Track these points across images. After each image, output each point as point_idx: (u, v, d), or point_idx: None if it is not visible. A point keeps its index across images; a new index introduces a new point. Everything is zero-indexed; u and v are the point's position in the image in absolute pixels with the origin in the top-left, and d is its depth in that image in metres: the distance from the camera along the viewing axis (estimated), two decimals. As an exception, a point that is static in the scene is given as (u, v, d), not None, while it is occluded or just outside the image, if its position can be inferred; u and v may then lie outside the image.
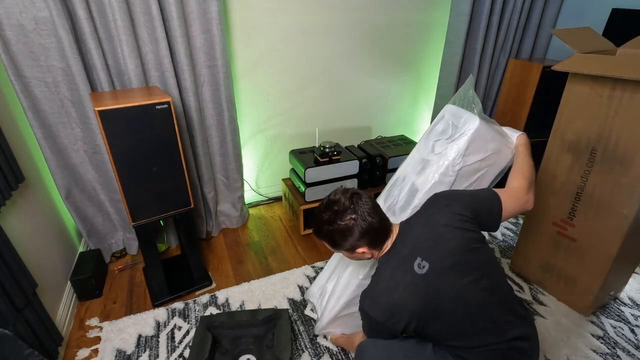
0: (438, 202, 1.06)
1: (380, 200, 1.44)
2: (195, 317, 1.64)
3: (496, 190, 1.08)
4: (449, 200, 1.04)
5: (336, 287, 1.41)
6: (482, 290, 0.96)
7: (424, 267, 0.94)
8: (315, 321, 1.58)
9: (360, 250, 1.02)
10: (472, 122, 1.21)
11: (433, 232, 0.99)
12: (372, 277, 1.04)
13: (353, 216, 0.98)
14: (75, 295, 1.72)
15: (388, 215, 1.30)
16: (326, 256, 2.03)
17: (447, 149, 1.24)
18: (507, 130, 1.28)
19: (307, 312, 1.64)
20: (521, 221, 2.28)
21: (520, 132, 1.27)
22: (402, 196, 1.34)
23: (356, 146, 2.41)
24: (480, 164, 1.24)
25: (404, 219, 1.15)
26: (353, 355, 1.43)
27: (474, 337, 0.96)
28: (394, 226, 1.07)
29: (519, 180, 1.11)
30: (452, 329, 0.95)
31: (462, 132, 1.22)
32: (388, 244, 1.03)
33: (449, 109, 1.33)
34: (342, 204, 0.99)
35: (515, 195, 1.08)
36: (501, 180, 1.30)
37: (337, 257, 1.54)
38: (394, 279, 0.96)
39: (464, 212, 1.01)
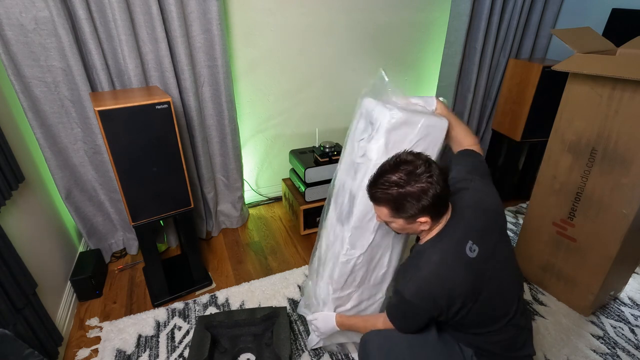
0: (482, 179, 1.05)
1: (331, 212, 1.37)
2: (196, 317, 1.64)
3: (475, 150, 1.14)
4: (488, 179, 1.06)
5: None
6: (511, 274, 0.98)
7: (474, 250, 0.91)
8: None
9: (422, 219, 0.92)
10: (383, 116, 1.11)
11: (484, 214, 0.96)
12: (415, 261, 0.96)
13: (430, 179, 0.87)
14: (75, 295, 1.72)
15: (338, 226, 1.29)
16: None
17: (368, 150, 1.15)
18: (421, 100, 1.20)
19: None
20: (521, 221, 2.28)
21: (435, 99, 1.19)
22: (345, 204, 1.27)
23: (356, 146, 2.41)
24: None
25: (352, 227, 1.19)
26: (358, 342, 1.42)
27: (495, 322, 0.97)
28: None
29: (471, 137, 1.19)
30: (483, 311, 0.94)
31: (377, 129, 1.13)
32: (443, 221, 0.96)
33: (364, 103, 1.23)
34: (417, 165, 0.89)
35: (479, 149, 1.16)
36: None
37: (314, 262, 1.47)
38: (446, 263, 0.91)
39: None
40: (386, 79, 1.18)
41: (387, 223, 1.00)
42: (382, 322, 1.10)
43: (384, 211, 0.95)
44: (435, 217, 0.94)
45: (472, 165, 1.09)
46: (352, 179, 1.23)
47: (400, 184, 0.89)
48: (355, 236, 1.23)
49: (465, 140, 1.17)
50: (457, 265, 0.90)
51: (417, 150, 1.09)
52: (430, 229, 0.97)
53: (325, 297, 1.36)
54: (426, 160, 0.91)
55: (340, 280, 1.29)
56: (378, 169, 0.96)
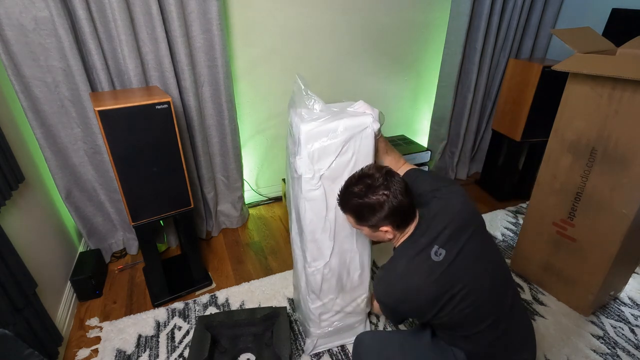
0: (447, 186, 1.08)
1: (291, 226, 1.37)
2: (196, 317, 1.64)
3: (416, 168, 1.23)
4: (452, 183, 1.09)
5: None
6: (490, 270, 1.00)
7: (440, 254, 0.95)
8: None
9: (384, 228, 0.99)
10: (299, 129, 1.07)
11: (452, 219, 0.99)
12: (387, 265, 1.03)
13: (386, 192, 0.95)
14: (75, 295, 1.72)
15: (298, 240, 1.30)
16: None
17: (296, 166, 1.12)
18: (352, 107, 1.15)
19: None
20: (521, 221, 2.28)
21: (363, 104, 1.15)
22: (296, 219, 1.27)
23: (356, 146, 2.41)
24: (340, 160, 1.11)
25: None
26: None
27: (481, 320, 0.98)
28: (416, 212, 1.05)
29: (402, 159, 1.27)
30: (465, 310, 0.95)
31: (298, 143, 1.09)
32: (409, 230, 1.02)
33: (289, 117, 1.19)
34: (376, 179, 0.96)
35: None
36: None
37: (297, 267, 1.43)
38: (409, 267, 0.97)
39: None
40: (302, 86, 1.12)
41: (358, 229, 1.08)
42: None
43: (350, 219, 1.04)
44: (397, 227, 1.00)
45: (430, 178, 1.15)
46: (295, 194, 1.22)
47: (360, 195, 0.97)
48: (313, 249, 1.23)
49: (399, 165, 1.25)
50: (420, 270, 0.95)
51: (349, 152, 1.11)
52: (397, 237, 1.03)
53: (306, 310, 1.37)
54: (385, 174, 0.97)
55: (315, 290, 1.30)
56: (346, 181, 1.04)
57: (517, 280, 1.84)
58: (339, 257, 1.27)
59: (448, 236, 0.97)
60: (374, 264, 1.95)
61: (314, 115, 1.10)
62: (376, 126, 1.11)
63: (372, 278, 1.37)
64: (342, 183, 1.14)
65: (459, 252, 0.95)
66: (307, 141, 1.07)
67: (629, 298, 1.73)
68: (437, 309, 0.95)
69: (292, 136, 1.17)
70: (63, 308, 1.58)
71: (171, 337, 1.55)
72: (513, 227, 2.27)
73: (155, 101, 1.35)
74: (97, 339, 1.54)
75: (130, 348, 1.50)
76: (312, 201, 1.14)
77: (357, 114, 1.11)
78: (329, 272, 1.27)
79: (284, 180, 2.41)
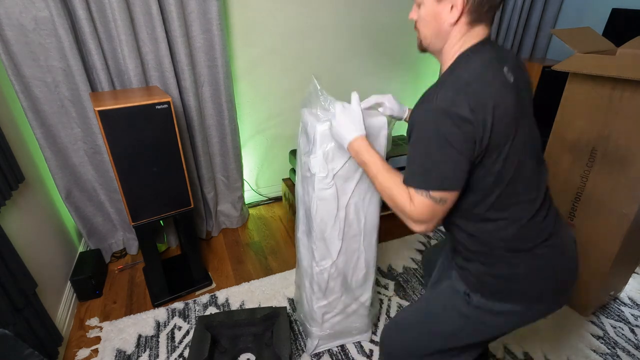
0: None
1: (297, 224, 1.37)
2: (195, 317, 1.64)
3: None
4: None
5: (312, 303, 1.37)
6: (535, 140, 0.86)
7: (510, 76, 0.79)
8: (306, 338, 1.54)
9: (458, 2, 0.76)
10: (314, 129, 1.08)
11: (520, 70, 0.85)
12: (443, 77, 0.82)
13: None
14: (75, 295, 1.72)
15: (305, 238, 1.29)
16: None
17: (310, 165, 1.13)
18: (367, 102, 1.13)
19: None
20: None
21: (392, 99, 1.12)
22: (304, 218, 1.28)
23: (356, 146, 2.41)
24: (354, 160, 1.09)
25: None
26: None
27: (523, 189, 0.83)
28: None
29: None
30: (515, 162, 0.79)
31: (313, 142, 1.10)
32: (479, 35, 0.81)
33: (303, 116, 1.20)
34: None
35: None
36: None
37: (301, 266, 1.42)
38: (487, 71, 0.76)
39: None
40: (318, 87, 1.14)
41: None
42: (398, 191, 0.83)
43: None
44: (471, 14, 0.78)
45: None
46: (305, 192, 1.23)
47: None
48: (322, 248, 1.23)
49: None
50: (498, 77, 0.76)
51: None
52: (459, 38, 0.81)
53: (310, 309, 1.37)
54: None
55: (320, 290, 1.30)
56: None
57: (517, 280, 1.84)
58: (345, 256, 1.27)
59: (515, 68, 0.81)
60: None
61: (330, 115, 1.11)
62: (390, 122, 1.12)
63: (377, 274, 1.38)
64: (354, 183, 1.15)
65: (524, 90, 0.81)
66: (322, 140, 1.08)
67: (629, 298, 1.73)
68: (499, 142, 0.75)
69: (305, 135, 1.18)
70: (63, 308, 1.58)
71: (171, 337, 1.55)
72: (513, 227, 2.26)
73: (155, 101, 1.35)
74: (97, 339, 1.54)
75: (130, 348, 1.50)
76: (324, 200, 1.15)
77: (372, 114, 1.13)
78: (335, 271, 1.28)
79: (284, 180, 2.41)
